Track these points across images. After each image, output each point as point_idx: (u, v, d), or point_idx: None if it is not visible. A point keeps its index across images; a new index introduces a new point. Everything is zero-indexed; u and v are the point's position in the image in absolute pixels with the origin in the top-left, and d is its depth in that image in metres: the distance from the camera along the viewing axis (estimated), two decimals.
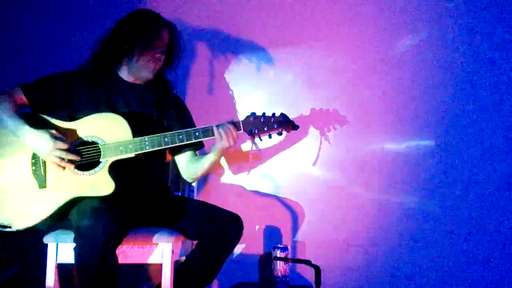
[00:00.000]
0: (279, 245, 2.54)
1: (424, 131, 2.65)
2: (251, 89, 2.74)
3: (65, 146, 1.92)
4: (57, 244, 1.97)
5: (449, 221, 2.61)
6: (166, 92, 2.28)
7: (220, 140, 2.00)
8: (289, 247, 2.58)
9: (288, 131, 2.07)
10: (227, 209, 2.10)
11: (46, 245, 1.98)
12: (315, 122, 2.69)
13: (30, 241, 2.43)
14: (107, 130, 2.01)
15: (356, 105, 2.70)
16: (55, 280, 1.96)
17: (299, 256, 2.65)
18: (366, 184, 2.66)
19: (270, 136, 2.06)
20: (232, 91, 2.73)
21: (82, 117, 2.04)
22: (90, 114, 2.04)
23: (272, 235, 2.69)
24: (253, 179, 2.71)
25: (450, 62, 2.65)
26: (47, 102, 2.10)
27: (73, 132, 2.02)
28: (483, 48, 2.64)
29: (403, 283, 2.61)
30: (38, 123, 2.01)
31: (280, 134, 2.06)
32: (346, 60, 2.71)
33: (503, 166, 2.60)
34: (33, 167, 1.97)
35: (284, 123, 2.04)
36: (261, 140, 2.06)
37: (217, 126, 2.01)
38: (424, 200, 2.63)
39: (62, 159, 1.92)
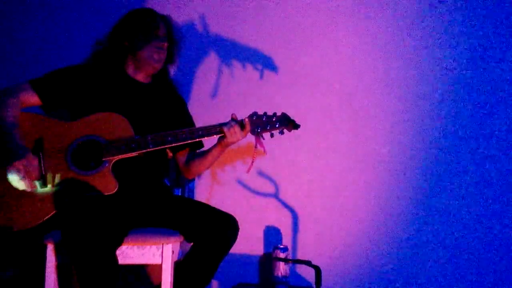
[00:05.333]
0: (279, 246, 2.54)
1: (425, 132, 2.66)
2: (254, 92, 2.74)
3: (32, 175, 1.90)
4: (57, 244, 1.95)
5: (449, 221, 2.62)
6: (171, 92, 2.31)
7: (227, 136, 2.05)
8: (289, 247, 2.59)
9: (289, 130, 2.10)
10: (228, 209, 2.10)
11: (46, 245, 1.96)
12: (315, 123, 2.70)
13: (30, 241, 2.43)
14: (109, 129, 2.01)
15: (356, 106, 2.70)
16: (54, 281, 1.95)
17: (299, 256, 2.65)
18: (366, 184, 2.67)
19: (272, 135, 2.09)
20: (236, 95, 2.74)
21: (84, 115, 2.04)
22: (94, 112, 2.04)
23: (272, 235, 2.69)
24: (253, 179, 2.71)
25: (447, 63, 2.66)
26: (59, 99, 2.10)
27: (74, 131, 2.01)
28: (480, 49, 2.66)
29: (403, 283, 2.61)
30: (37, 125, 2.01)
31: (281, 133, 2.10)
32: (345, 61, 2.72)
33: (503, 166, 2.61)
34: None
35: (285, 122, 2.08)
36: (263, 139, 2.09)
37: (223, 124, 2.05)
38: (423, 200, 2.63)
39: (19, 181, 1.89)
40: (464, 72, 2.65)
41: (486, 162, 2.62)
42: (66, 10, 2.86)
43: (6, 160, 1.91)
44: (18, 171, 1.87)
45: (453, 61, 2.66)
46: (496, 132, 2.62)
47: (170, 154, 2.34)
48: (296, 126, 2.09)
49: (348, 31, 2.73)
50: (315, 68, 2.73)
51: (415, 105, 2.67)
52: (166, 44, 2.20)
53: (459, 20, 2.67)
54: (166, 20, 2.23)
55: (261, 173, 2.71)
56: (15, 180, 1.88)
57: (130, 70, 2.22)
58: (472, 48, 2.66)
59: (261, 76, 2.72)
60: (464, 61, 2.66)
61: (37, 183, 1.92)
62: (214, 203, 2.66)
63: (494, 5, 2.65)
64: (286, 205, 2.69)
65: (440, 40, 2.67)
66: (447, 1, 2.68)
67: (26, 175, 1.88)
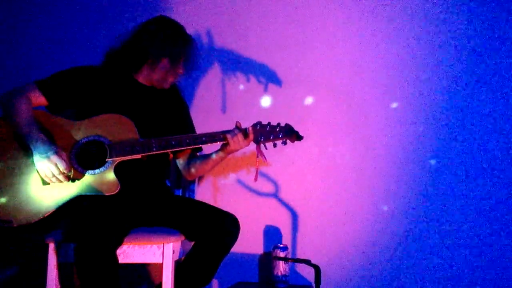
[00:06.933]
0: (279, 245, 2.54)
1: (423, 134, 2.66)
2: (258, 104, 2.76)
3: (63, 170, 1.92)
4: (58, 244, 1.97)
5: (448, 222, 2.62)
6: (175, 94, 2.32)
7: (230, 143, 2.06)
8: (289, 246, 2.59)
9: (292, 141, 2.12)
10: (228, 209, 2.11)
11: (47, 244, 1.97)
12: (315, 124, 2.71)
13: (31, 241, 2.44)
14: (114, 130, 2.02)
15: (355, 107, 2.71)
16: (56, 280, 1.96)
17: (299, 255, 2.65)
18: (366, 184, 2.67)
19: (274, 145, 2.11)
20: (240, 104, 2.76)
21: (90, 116, 2.05)
22: (100, 112, 2.05)
23: (272, 235, 2.69)
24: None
25: (449, 62, 2.67)
26: (65, 100, 2.11)
27: (80, 130, 2.02)
28: (483, 51, 2.66)
29: (403, 283, 2.62)
30: (45, 123, 2.02)
31: (284, 143, 2.11)
32: (346, 63, 2.73)
33: (504, 167, 2.61)
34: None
35: (289, 133, 2.10)
36: (266, 148, 2.11)
37: (226, 132, 2.06)
38: (423, 201, 2.64)
39: (53, 175, 1.92)
40: (466, 71, 2.66)
41: (488, 163, 2.62)
42: (70, 10, 2.86)
43: (22, 154, 1.95)
44: (55, 165, 1.90)
45: (456, 60, 2.66)
46: (498, 134, 2.63)
47: (171, 156, 2.35)
48: (299, 137, 2.11)
49: (349, 36, 2.73)
50: (316, 73, 2.73)
51: (415, 105, 2.67)
52: (183, 71, 2.20)
53: (461, 19, 2.67)
54: (193, 47, 2.20)
55: (261, 173, 2.71)
56: (51, 175, 1.90)
57: (140, 78, 2.21)
58: (476, 47, 2.66)
59: (265, 87, 2.74)
60: (467, 60, 2.66)
61: (40, 179, 1.94)
62: (215, 202, 2.67)
63: (496, 5, 2.67)
64: (286, 205, 2.70)
65: (442, 40, 2.67)
66: (449, 1, 2.69)
67: (60, 170, 1.90)
